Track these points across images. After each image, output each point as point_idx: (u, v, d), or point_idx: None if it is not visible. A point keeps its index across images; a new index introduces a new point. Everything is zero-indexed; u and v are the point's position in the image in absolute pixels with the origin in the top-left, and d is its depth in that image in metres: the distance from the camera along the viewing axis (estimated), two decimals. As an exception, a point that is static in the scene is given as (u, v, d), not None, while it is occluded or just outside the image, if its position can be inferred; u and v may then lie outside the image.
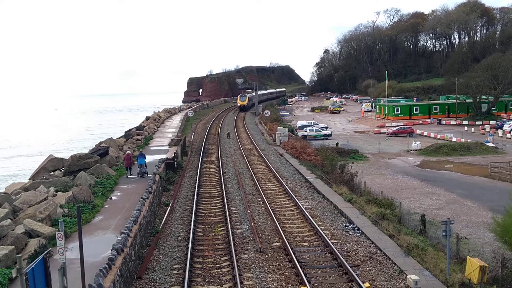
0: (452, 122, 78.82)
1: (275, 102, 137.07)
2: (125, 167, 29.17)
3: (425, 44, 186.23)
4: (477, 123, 74.60)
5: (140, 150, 37.41)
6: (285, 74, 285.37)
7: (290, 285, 15.86)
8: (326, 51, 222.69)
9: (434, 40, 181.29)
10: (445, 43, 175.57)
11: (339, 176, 34.13)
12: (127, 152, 31.42)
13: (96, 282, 12.31)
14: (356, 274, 16.10)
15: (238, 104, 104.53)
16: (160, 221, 23.61)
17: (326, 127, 73.53)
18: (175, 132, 55.18)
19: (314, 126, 69.13)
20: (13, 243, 15.42)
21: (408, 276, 15.19)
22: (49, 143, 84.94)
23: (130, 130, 54.93)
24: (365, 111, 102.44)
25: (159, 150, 40.44)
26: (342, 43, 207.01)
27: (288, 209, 25.65)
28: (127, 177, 28.41)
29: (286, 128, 55.91)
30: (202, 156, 43.32)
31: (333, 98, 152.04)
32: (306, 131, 65.76)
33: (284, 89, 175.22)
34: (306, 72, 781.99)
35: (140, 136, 48.95)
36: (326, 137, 64.03)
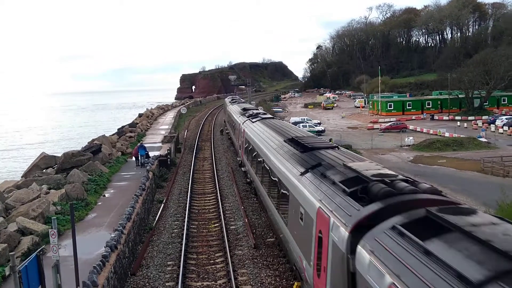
0: (445, 118, 79.18)
1: (267, 98, 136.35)
2: (133, 156, 32.89)
3: (417, 39, 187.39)
4: (469, 118, 74.94)
5: (140, 142, 41.39)
6: (278, 70, 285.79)
7: (284, 280, 15.90)
8: (319, 47, 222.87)
9: (426, 36, 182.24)
10: (438, 38, 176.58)
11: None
12: (138, 144, 36.17)
13: (90, 279, 12.28)
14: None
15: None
16: (153, 218, 23.56)
17: (320, 123, 73.57)
18: (168, 129, 55.04)
19: (307, 122, 69.03)
20: (6, 241, 15.35)
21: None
22: (41, 140, 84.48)
23: (123, 127, 54.74)
24: (363, 106, 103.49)
25: (152, 147, 40.28)
26: (335, 39, 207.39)
27: (282, 205, 25.67)
28: (136, 166, 31.61)
29: (280, 124, 55.88)
30: (195, 153, 43.24)
31: (326, 94, 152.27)
32: (299, 127, 65.73)
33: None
34: (299, 68, 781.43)
35: (133, 133, 48.78)
36: (320, 133, 63.95)
